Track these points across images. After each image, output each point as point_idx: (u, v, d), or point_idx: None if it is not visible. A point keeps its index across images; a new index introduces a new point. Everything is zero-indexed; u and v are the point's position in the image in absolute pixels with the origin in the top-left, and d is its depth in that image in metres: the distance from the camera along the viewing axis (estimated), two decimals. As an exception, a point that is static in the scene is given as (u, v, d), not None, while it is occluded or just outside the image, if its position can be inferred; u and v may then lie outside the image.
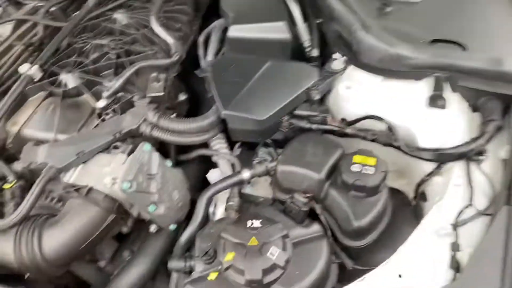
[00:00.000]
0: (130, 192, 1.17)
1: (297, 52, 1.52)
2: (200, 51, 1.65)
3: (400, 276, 1.05)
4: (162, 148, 1.40)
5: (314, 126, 1.33)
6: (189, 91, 1.65)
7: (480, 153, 1.20)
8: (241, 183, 1.30)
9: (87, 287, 1.42)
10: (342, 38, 1.45)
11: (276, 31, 1.49)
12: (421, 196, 1.31)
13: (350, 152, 1.22)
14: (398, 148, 1.25)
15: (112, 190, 1.20)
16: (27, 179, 1.26)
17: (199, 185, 1.47)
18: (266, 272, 1.06)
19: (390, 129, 1.28)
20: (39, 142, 1.31)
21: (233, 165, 1.41)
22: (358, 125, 1.34)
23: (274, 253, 1.07)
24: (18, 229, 1.15)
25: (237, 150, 1.50)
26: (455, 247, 1.06)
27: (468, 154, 1.20)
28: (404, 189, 1.39)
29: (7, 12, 1.86)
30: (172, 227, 1.31)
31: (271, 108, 1.29)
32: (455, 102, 1.29)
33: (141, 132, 1.32)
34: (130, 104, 1.39)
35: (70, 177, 1.24)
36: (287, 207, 1.20)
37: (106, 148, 1.28)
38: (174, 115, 1.43)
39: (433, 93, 1.30)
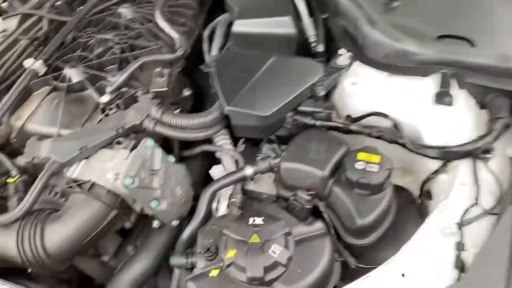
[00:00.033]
0: (132, 188, 1.16)
1: (302, 48, 1.51)
2: (205, 46, 1.64)
3: (403, 275, 1.03)
4: (166, 143, 1.40)
5: (318, 123, 1.32)
6: (193, 86, 1.64)
7: (487, 151, 1.18)
8: (244, 179, 1.29)
9: (90, 282, 1.43)
10: (348, 33, 1.44)
11: (281, 26, 1.48)
12: (426, 194, 1.30)
13: (355, 149, 1.21)
14: (403, 145, 1.24)
15: (114, 185, 1.20)
16: (31, 173, 1.27)
17: (203, 181, 1.47)
18: (267, 269, 1.05)
19: (396, 126, 1.26)
20: (42, 137, 1.32)
21: (236, 161, 1.40)
22: (363, 121, 1.32)
23: (276, 251, 1.06)
24: (21, 224, 1.15)
25: (241, 146, 1.49)
26: (460, 246, 1.05)
27: (475, 152, 1.18)
28: (409, 186, 1.37)
29: (13, 6, 1.87)
30: (175, 223, 1.31)
31: (275, 104, 1.28)
32: (462, 99, 1.27)
33: (144, 128, 1.31)
34: (133, 99, 1.39)
35: (73, 172, 1.25)
36: (290, 204, 1.19)
37: (109, 144, 1.28)
38: (178, 110, 1.42)
39: (439, 89, 1.28)
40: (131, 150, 1.25)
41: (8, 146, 1.37)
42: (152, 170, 1.22)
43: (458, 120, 1.24)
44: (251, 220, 1.13)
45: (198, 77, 1.67)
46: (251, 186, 1.37)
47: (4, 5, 1.90)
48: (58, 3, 1.74)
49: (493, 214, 1.08)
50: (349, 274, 1.18)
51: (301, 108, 1.33)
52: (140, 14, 1.68)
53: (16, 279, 1.22)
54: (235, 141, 1.48)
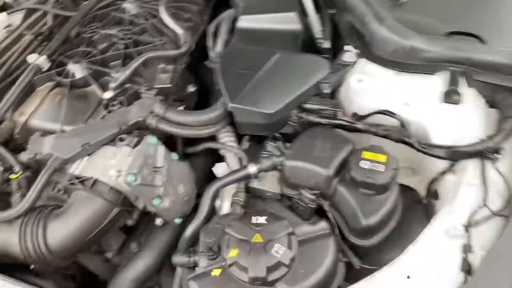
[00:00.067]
0: (134, 185, 1.16)
1: (308, 44, 1.49)
2: (209, 42, 1.62)
3: (408, 277, 1.02)
4: (170, 140, 1.38)
5: (324, 121, 1.30)
6: (198, 82, 1.63)
7: (496, 151, 1.16)
8: (247, 177, 1.27)
9: (94, 278, 1.42)
10: (355, 30, 1.42)
11: (286, 21, 1.46)
12: (433, 194, 1.27)
13: (360, 148, 1.19)
14: (410, 144, 1.21)
15: (117, 182, 1.19)
16: (34, 169, 1.26)
17: (206, 178, 1.45)
18: (270, 269, 1.04)
19: (403, 124, 1.24)
20: (45, 133, 1.31)
21: (240, 159, 1.38)
22: (370, 120, 1.30)
23: (279, 251, 1.05)
24: (23, 220, 1.15)
25: (245, 143, 1.47)
26: (467, 249, 1.03)
27: (484, 152, 1.16)
28: (416, 186, 1.35)
29: (18, 1, 1.86)
30: (178, 221, 1.30)
31: (279, 102, 1.26)
32: (471, 97, 1.25)
33: (147, 124, 1.30)
34: (137, 96, 1.38)
35: (76, 169, 1.24)
36: (294, 203, 1.18)
37: (112, 140, 1.27)
38: (182, 107, 1.41)
39: (448, 87, 1.25)
40: (134, 147, 1.24)
41: (12, 141, 1.36)
42: (155, 167, 1.21)
43: (466, 119, 1.22)
44: (254, 219, 1.12)
45: (203, 73, 1.65)
46: (255, 184, 1.35)
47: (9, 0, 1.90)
48: (62, -2, 1.74)
49: (501, 216, 1.06)
50: (353, 274, 1.16)
51: (306, 105, 1.32)
52: (144, 9, 1.67)
53: (21, 275, 1.22)
54: (239, 138, 1.47)
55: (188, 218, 1.32)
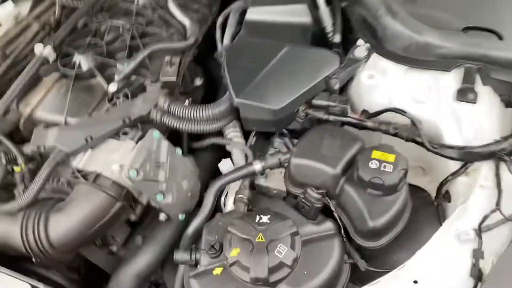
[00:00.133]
0: (137, 180, 1.15)
1: (318, 37, 1.46)
2: (218, 34, 1.60)
3: (415, 282, 0.99)
4: (175, 134, 1.36)
5: (332, 118, 1.27)
6: (207, 75, 1.60)
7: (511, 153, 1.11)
8: (252, 175, 1.25)
9: (98, 270, 1.42)
10: (367, 23, 1.39)
11: (296, 14, 1.43)
12: (444, 196, 1.23)
13: (369, 146, 1.15)
14: (421, 144, 1.18)
15: (119, 177, 1.18)
16: (38, 162, 1.26)
17: (212, 173, 1.43)
18: (272, 270, 1.01)
19: (414, 123, 1.20)
20: (49, 125, 1.30)
21: (246, 156, 1.36)
22: (380, 117, 1.26)
23: (282, 251, 1.02)
24: (25, 213, 1.15)
25: (252, 138, 1.45)
26: (477, 254, 0.99)
27: (498, 154, 1.11)
28: (426, 186, 1.32)
29: (26, -9, 1.84)
30: (181, 217, 1.28)
31: (286, 97, 1.24)
32: (486, 96, 1.20)
33: (151, 118, 1.28)
34: (143, 88, 1.36)
35: (79, 162, 1.23)
36: (299, 202, 1.15)
37: (116, 134, 1.26)
38: (187, 101, 1.39)
39: (462, 85, 1.21)
40: (138, 141, 1.22)
41: (18, 133, 1.36)
42: (158, 162, 1.20)
43: (480, 119, 1.18)
44: (257, 218, 1.09)
45: (211, 65, 1.63)
46: (261, 181, 1.33)
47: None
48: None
49: (515, 220, 1.02)
50: (358, 276, 1.13)
51: (315, 101, 1.28)
52: (152, 0, 1.64)
53: (25, 265, 1.22)
54: (246, 133, 1.44)
55: (192, 214, 1.31)
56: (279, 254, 1.02)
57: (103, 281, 1.33)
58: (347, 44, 1.43)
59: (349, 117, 1.26)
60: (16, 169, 1.24)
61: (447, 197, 1.23)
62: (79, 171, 1.20)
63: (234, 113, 1.32)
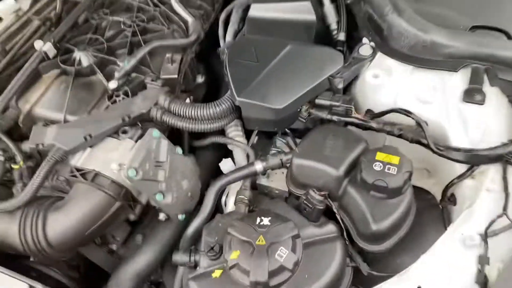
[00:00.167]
0: (136, 180, 1.13)
1: (322, 35, 1.43)
2: (220, 31, 1.58)
3: (419, 287, 0.96)
4: (176, 132, 1.34)
5: (335, 118, 1.24)
6: (209, 72, 1.58)
7: (520, 156, 1.08)
8: (253, 175, 1.23)
9: (98, 269, 1.40)
10: (372, 21, 1.36)
11: (300, 11, 1.41)
12: (449, 199, 1.21)
13: (373, 148, 1.13)
14: (426, 146, 1.15)
15: (118, 176, 1.17)
16: (37, 160, 1.24)
17: (213, 173, 1.42)
18: (272, 274, 0.99)
19: (419, 124, 1.17)
20: (48, 123, 1.29)
21: (247, 155, 1.34)
22: (385, 118, 1.23)
23: (283, 254, 1.00)
24: (23, 212, 1.13)
25: (254, 138, 1.43)
26: (483, 260, 0.97)
27: (506, 157, 1.09)
28: (431, 189, 1.29)
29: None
30: (181, 217, 1.27)
31: (289, 96, 1.22)
32: (494, 97, 1.18)
33: (151, 117, 1.26)
34: (143, 86, 1.34)
35: (78, 161, 1.22)
36: (301, 204, 1.13)
37: (115, 132, 1.24)
38: (189, 99, 1.37)
39: (469, 86, 1.19)
40: (137, 140, 1.21)
41: (17, 130, 1.34)
42: (158, 162, 1.18)
43: (487, 121, 1.15)
44: (258, 220, 1.07)
45: (214, 63, 1.61)
46: (263, 181, 1.32)
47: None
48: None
49: (523, 226, 1.00)
50: (360, 280, 1.11)
51: (318, 101, 1.26)
52: (154, -5, 1.62)
53: (25, 263, 1.22)
54: (249, 132, 1.42)
55: (192, 214, 1.29)
56: (280, 258, 1.00)
57: (102, 279, 1.32)
58: (352, 42, 1.40)
59: (353, 117, 1.24)
60: (15, 166, 1.22)
61: (452, 200, 1.20)
62: (78, 170, 1.19)
63: (236, 112, 1.30)
